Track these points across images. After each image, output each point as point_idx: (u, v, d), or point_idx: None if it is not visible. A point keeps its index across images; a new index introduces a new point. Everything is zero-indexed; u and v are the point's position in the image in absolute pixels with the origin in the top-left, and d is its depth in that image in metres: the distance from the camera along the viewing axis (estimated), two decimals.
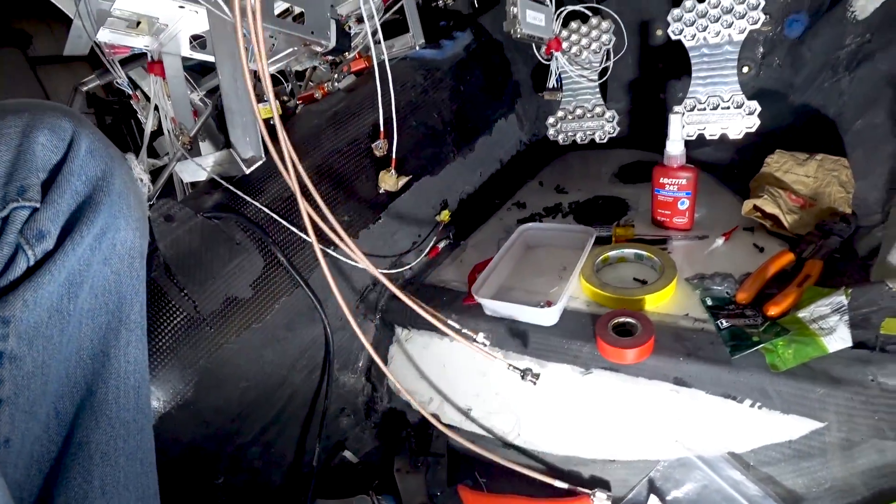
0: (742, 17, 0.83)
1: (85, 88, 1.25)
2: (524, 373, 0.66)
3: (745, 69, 1.13)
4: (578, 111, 0.98)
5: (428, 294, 0.87)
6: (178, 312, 0.72)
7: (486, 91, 1.20)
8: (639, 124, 1.24)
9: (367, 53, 1.02)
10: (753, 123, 0.87)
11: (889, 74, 0.84)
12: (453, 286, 0.88)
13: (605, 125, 0.97)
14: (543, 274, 0.84)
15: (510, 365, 0.67)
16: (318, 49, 0.95)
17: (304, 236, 0.80)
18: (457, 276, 0.91)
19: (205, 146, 1.05)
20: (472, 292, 0.76)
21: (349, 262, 0.83)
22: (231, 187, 0.81)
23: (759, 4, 0.82)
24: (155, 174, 1.18)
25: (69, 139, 0.45)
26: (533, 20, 0.77)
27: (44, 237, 0.42)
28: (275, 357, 0.78)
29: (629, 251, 0.81)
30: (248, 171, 0.78)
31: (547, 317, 0.72)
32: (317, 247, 0.66)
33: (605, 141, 0.98)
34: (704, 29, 0.86)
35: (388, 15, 1.15)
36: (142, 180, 0.50)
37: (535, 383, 0.66)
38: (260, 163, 0.79)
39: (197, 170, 0.89)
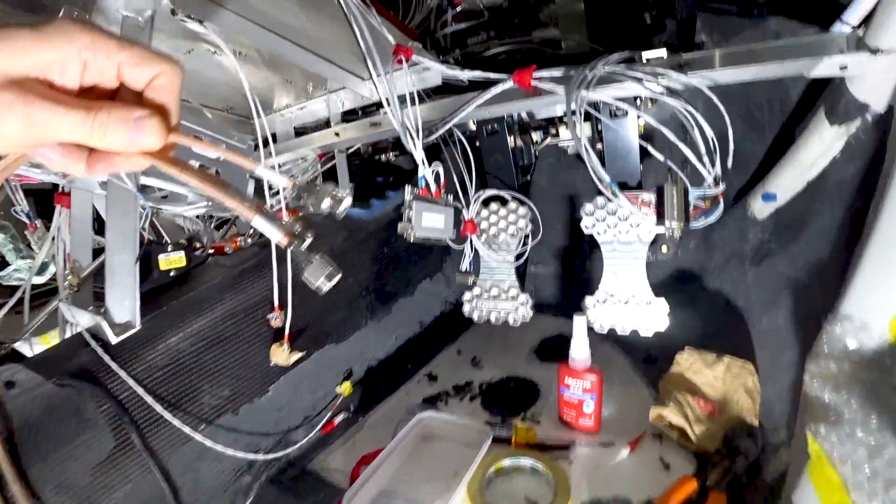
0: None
1: None
2: None
3: (665, 249, 1.18)
4: (494, 290, 0.97)
5: (305, 485, 0.78)
6: None
7: (412, 252, 1.19)
8: (567, 290, 1.25)
9: (292, 207, 1.01)
10: (664, 325, 0.85)
11: (786, 277, 0.85)
12: (335, 479, 0.79)
13: (519, 308, 0.95)
14: (432, 478, 0.75)
15: None
16: None
17: (168, 417, 0.71)
18: (344, 464, 0.82)
19: None
20: (343, 501, 0.67)
21: (219, 444, 0.74)
22: (98, 349, 0.73)
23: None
24: None
25: None
26: (430, 223, 0.76)
27: None
28: None
29: (526, 461, 0.74)
30: (115, 341, 0.71)
31: None
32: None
33: (518, 325, 0.96)
34: (615, 226, 0.88)
35: (322, 169, 1.17)
36: None
37: None
38: (133, 331, 0.73)
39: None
